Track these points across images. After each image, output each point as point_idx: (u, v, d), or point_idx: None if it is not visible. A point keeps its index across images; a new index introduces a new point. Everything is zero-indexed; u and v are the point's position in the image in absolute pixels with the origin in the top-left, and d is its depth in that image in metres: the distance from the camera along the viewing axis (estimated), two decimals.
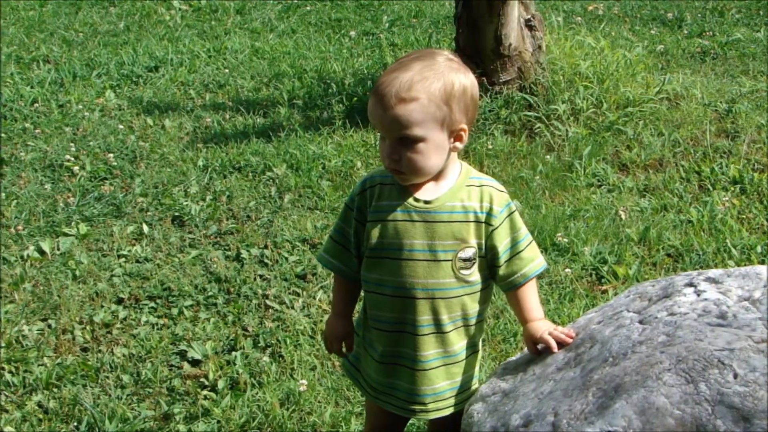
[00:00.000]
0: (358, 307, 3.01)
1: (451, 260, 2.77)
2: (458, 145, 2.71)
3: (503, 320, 4.48)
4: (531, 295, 2.89)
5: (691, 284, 2.75)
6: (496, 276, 2.87)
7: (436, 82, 2.62)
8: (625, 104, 6.96)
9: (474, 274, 2.81)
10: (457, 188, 2.78)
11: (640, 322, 2.62)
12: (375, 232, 2.78)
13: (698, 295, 2.66)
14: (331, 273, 4.78)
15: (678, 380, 2.21)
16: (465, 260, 2.80)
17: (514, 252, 2.84)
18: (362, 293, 2.94)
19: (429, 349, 2.84)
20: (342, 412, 3.88)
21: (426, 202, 2.75)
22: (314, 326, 4.54)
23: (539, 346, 2.82)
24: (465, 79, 2.68)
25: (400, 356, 2.87)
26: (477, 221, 2.79)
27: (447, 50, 2.80)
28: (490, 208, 2.79)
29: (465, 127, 2.70)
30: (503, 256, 2.83)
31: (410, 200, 2.75)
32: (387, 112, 2.59)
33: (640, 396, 2.21)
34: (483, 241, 2.81)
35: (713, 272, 2.80)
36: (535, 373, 2.79)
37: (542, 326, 2.84)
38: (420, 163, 2.66)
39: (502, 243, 2.82)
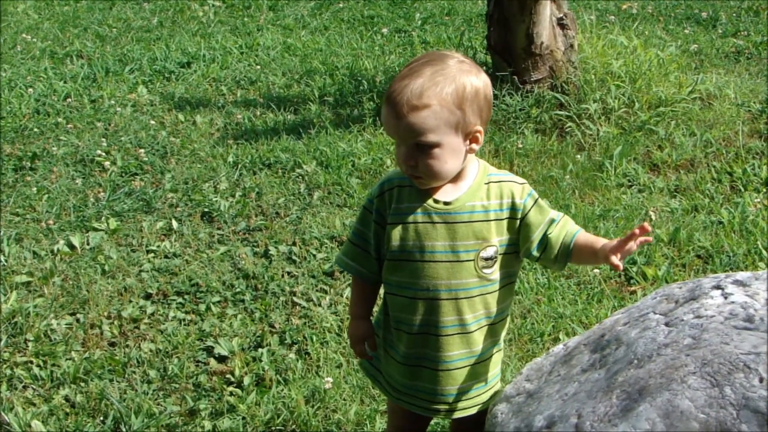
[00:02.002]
0: (375, 307, 3.01)
1: (473, 260, 2.76)
2: (474, 146, 2.70)
3: (530, 320, 4.46)
4: (584, 245, 2.83)
5: (718, 287, 2.73)
6: (544, 261, 2.87)
7: (447, 86, 2.60)
8: (657, 104, 6.91)
9: (495, 272, 2.81)
10: (476, 187, 2.78)
11: (666, 324, 2.61)
12: (396, 235, 2.77)
13: (725, 297, 2.64)
14: None
15: (703, 384, 2.19)
16: (487, 259, 2.80)
17: (548, 234, 2.83)
18: (382, 294, 2.93)
19: (454, 350, 2.84)
20: (367, 410, 3.88)
21: (446, 204, 2.74)
22: (341, 324, 4.54)
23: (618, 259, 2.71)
24: (477, 81, 2.66)
25: (423, 357, 2.87)
26: (498, 219, 2.78)
27: (458, 52, 2.78)
28: (512, 203, 2.79)
29: (480, 128, 2.68)
30: (537, 243, 2.82)
31: (430, 202, 2.75)
32: (400, 121, 2.58)
33: (665, 399, 2.20)
34: (514, 236, 2.82)
35: (741, 275, 2.78)
36: (560, 374, 2.78)
37: (613, 245, 2.74)
38: (436, 168, 2.65)
39: (536, 231, 2.82)
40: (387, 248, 2.81)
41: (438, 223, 2.75)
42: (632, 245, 2.68)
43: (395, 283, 2.83)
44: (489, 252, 2.80)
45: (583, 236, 2.85)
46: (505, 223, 2.79)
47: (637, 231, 2.64)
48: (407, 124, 2.57)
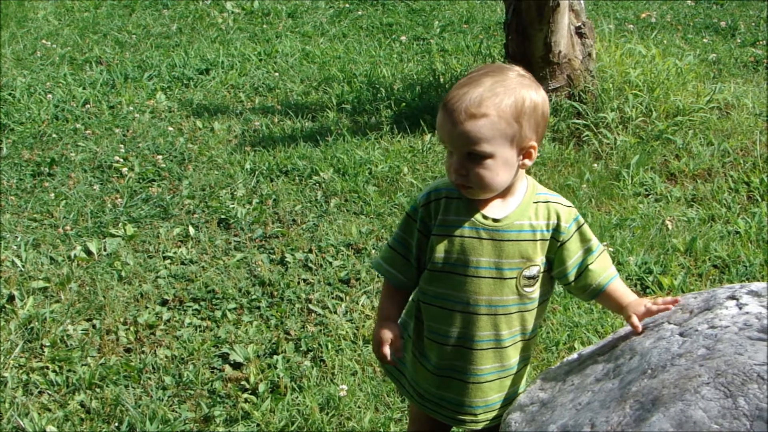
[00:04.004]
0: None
1: (516, 278, 2.78)
2: (527, 162, 2.71)
3: (545, 329, 4.46)
4: (614, 294, 2.88)
5: (733, 297, 2.72)
6: (572, 289, 2.90)
7: (507, 98, 2.61)
8: (675, 113, 6.90)
9: (536, 291, 2.83)
10: (525, 206, 2.78)
11: (681, 334, 2.60)
12: (440, 247, 2.77)
13: (740, 308, 2.63)
14: (374, 278, 4.82)
15: (716, 394, 2.18)
16: (529, 278, 2.82)
17: (585, 264, 2.85)
18: (416, 301, 2.93)
19: (486, 364, 2.85)
20: (381, 418, 3.88)
21: (495, 221, 2.75)
22: (356, 331, 4.54)
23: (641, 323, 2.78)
24: (536, 96, 2.66)
25: (454, 369, 2.88)
26: (543, 239, 2.80)
27: (518, 66, 2.79)
28: (557, 225, 2.80)
29: (535, 144, 2.69)
30: (573, 270, 2.84)
31: (479, 217, 2.74)
32: (456, 128, 2.58)
33: (678, 409, 2.19)
34: (552, 256, 2.83)
35: (756, 285, 2.77)
36: (573, 383, 2.78)
37: (638, 304, 2.82)
38: (487, 179, 2.65)
39: (573, 257, 2.84)
40: (429, 259, 2.81)
41: (485, 239, 2.75)
42: (655, 309, 2.77)
43: (433, 294, 2.83)
44: (532, 271, 2.81)
45: (616, 285, 2.88)
46: (547, 243, 2.81)
47: (666, 304, 2.77)
48: (463, 131, 2.58)
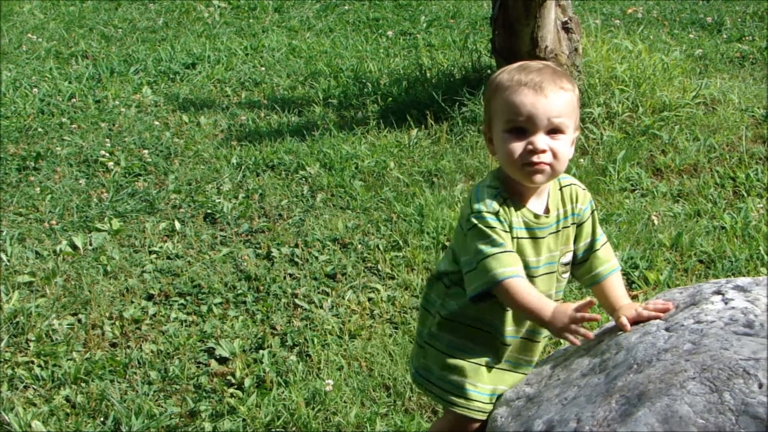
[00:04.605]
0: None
1: (557, 267, 2.85)
2: (572, 150, 2.74)
3: None
4: (612, 288, 2.90)
5: (718, 292, 2.73)
6: (574, 271, 2.94)
7: (572, 82, 2.70)
8: (661, 108, 6.91)
9: (567, 276, 2.92)
10: (554, 194, 2.81)
11: (666, 329, 2.60)
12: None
13: (726, 303, 2.64)
14: (360, 273, 4.83)
15: (702, 389, 2.19)
16: (566, 264, 2.88)
17: (592, 250, 2.90)
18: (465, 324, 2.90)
19: (538, 354, 2.99)
20: (367, 413, 3.88)
21: (536, 216, 2.75)
22: (342, 326, 4.54)
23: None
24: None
25: (518, 364, 2.96)
26: (573, 223, 2.85)
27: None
28: (578, 207, 2.85)
29: (577, 135, 2.75)
30: (581, 254, 2.90)
31: (530, 216, 2.74)
32: (546, 99, 2.60)
33: (664, 404, 2.20)
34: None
35: (741, 280, 2.78)
36: (559, 378, 2.78)
37: (630, 307, 2.83)
38: (565, 157, 2.68)
39: (583, 240, 2.88)
40: None
41: (539, 238, 2.77)
42: (645, 315, 2.77)
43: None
44: (568, 257, 2.88)
45: (616, 279, 2.92)
46: (575, 226, 2.86)
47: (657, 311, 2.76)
48: (553, 102, 2.61)
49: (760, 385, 2.13)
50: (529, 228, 2.73)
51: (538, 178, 2.67)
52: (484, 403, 2.89)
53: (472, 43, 8.55)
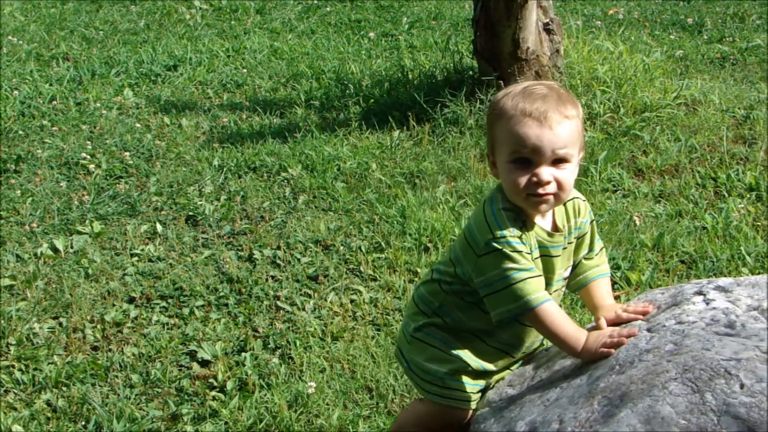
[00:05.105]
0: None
1: (563, 281, 2.89)
2: (576, 171, 2.73)
3: None
4: (596, 291, 2.92)
5: (700, 293, 2.74)
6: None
7: (577, 104, 2.69)
8: (643, 109, 6.92)
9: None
10: (559, 210, 2.82)
11: (648, 330, 2.61)
12: None
13: (707, 303, 2.65)
14: (342, 275, 4.82)
15: (684, 390, 2.19)
16: (566, 278, 2.91)
17: (588, 258, 2.94)
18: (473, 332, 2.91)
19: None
20: (350, 415, 3.87)
21: (550, 234, 2.76)
22: (324, 328, 4.52)
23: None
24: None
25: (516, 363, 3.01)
26: (576, 237, 2.87)
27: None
28: (579, 222, 2.86)
29: (581, 155, 2.75)
30: (577, 262, 2.93)
31: (542, 235, 2.74)
32: (551, 131, 2.58)
33: (646, 405, 2.20)
34: None
35: (723, 281, 2.79)
36: (542, 379, 2.78)
37: (611, 308, 2.85)
38: (570, 185, 2.68)
39: (583, 252, 2.92)
40: None
41: (554, 256, 2.78)
42: (624, 317, 2.79)
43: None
44: (569, 271, 2.90)
45: (601, 283, 2.94)
46: (575, 241, 2.88)
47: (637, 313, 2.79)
48: (558, 134, 2.59)
49: (742, 386, 2.14)
50: (543, 246, 2.74)
51: (543, 207, 2.69)
52: (472, 393, 2.93)
53: (454, 45, 8.55)
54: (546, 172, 2.60)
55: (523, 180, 2.62)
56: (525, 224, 2.70)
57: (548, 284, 2.76)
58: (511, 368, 3.00)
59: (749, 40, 9.21)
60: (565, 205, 2.81)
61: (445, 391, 2.93)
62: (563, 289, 2.92)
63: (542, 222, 2.76)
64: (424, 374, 2.96)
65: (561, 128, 2.58)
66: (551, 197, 2.64)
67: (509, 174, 2.65)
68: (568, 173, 2.64)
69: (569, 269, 2.89)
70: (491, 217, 2.70)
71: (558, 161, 2.61)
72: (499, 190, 2.77)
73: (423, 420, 3.10)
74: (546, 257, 2.76)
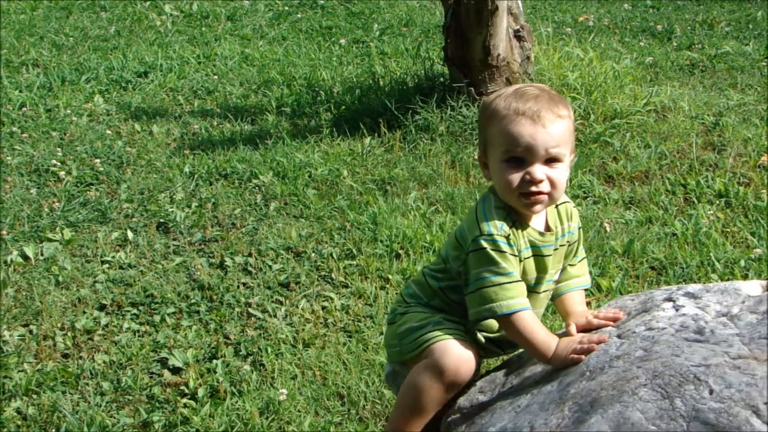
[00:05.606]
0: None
1: (552, 283, 2.92)
2: (568, 172, 2.76)
3: None
4: (570, 300, 2.96)
5: (670, 299, 2.76)
6: None
7: (568, 107, 2.72)
8: (613, 116, 6.95)
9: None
10: (552, 212, 2.85)
11: (618, 336, 2.63)
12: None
13: (677, 310, 2.67)
14: (314, 281, 4.82)
15: (654, 396, 2.21)
16: (556, 281, 2.94)
17: (571, 264, 2.98)
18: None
19: None
20: (321, 422, 3.87)
21: (541, 234, 2.79)
22: (296, 335, 4.52)
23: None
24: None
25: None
26: (568, 242, 2.89)
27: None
28: (571, 227, 2.90)
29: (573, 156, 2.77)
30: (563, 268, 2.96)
31: (533, 234, 2.77)
32: (544, 130, 2.61)
33: (616, 411, 2.21)
34: None
35: (692, 287, 2.81)
36: (512, 385, 2.79)
37: (581, 315, 2.89)
38: (562, 185, 2.70)
39: (570, 259, 2.96)
40: None
41: (545, 256, 2.80)
42: (595, 323, 2.83)
43: None
44: (558, 275, 2.93)
45: (577, 295, 2.98)
46: (567, 245, 2.90)
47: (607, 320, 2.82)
48: (551, 133, 2.62)
49: (711, 391, 2.15)
50: (534, 246, 2.77)
51: (537, 207, 2.72)
52: (450, 330, 2.86)
53: (425, 51, 8.57)
54: (539, 170, 2.64)
55: (516, 179, 2.66)
56: (516, 223, 2.73)
57: (539, 284, 2.82)
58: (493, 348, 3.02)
59: (718, 47, 9.26)
60: (557, 207, 2.85)
61: (422, 335, 2.88)
62: (551, 292, 2.95)
63: (534, 222, 2.79)
64: (406, 339, 2.94)
65: (554, 127, 2.62)
66: (544, 196, 2.68)
67: (502, 173, 2.69)
68: (561, 173, 2.67)
69: (559, 273, 2.91)
70: (482, 214, 2.74)
71: (550, 160, 2.65)
72: (492, 190, 2.80)
73: (420, 387, 2.87)
74: (538, 257, 2.79)
